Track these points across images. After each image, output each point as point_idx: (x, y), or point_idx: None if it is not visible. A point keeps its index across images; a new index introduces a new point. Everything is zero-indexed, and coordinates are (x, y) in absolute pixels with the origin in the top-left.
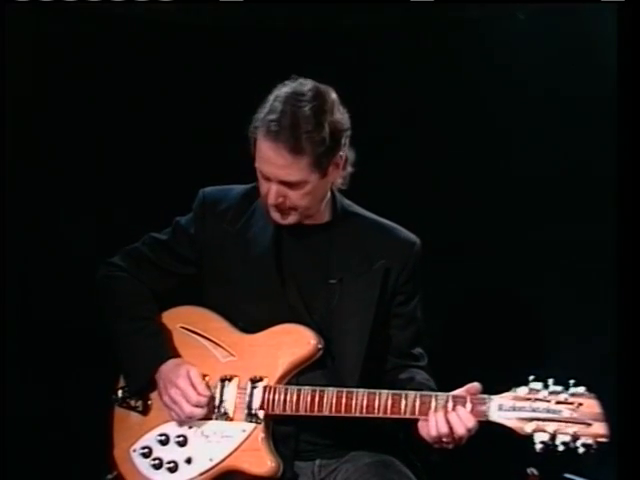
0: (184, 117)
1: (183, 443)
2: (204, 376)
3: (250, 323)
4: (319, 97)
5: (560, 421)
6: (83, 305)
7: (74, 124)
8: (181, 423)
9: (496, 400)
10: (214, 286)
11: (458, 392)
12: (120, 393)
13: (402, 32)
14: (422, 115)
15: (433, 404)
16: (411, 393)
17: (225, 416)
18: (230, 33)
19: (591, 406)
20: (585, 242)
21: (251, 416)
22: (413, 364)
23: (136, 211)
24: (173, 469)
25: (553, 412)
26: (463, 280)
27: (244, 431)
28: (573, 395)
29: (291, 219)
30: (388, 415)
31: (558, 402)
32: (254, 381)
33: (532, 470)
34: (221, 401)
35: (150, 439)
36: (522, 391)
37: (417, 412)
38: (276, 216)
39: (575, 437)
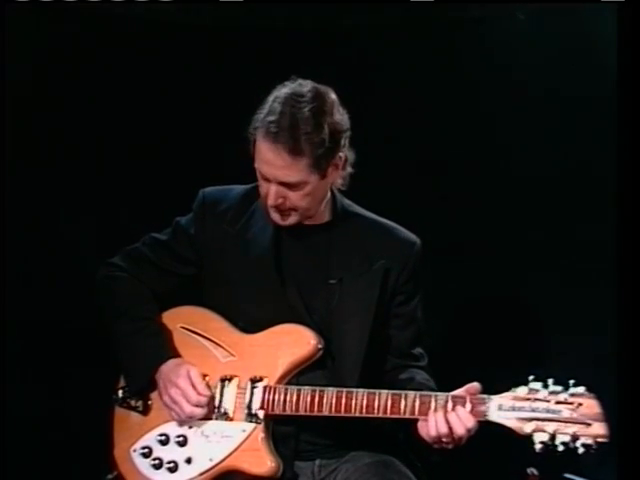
0: (184, 117)
1: (183, 443)
2: (204, 376)
3: (250, 323)
4: (318, 98)
5: (560, 421)
6: (83, 305)
7: (74, 124)
8: (181, 423)
9: (496, 400)
10: (214, 286)
11: (458, 392)
12: (120, 393)
13: (402, 32)
14: (422, 115)
15: (433, 404)
16: (411, 393)
17: (225, 416)
18: (230, 33)
19: (591, 406)
20: (585, 242)
21: (251, 416)
22: (413, 364)
23: (136, 211)
24: (173, 469)
25: (553, 412)
26: (463, 280)
27: (244, 431)
28: (573, 395)
29: (291, 220)
30: (388, 415)
31: (558, 402)
32: (254, 381)
33: (532, 470)
34: (221, 401)
35: (150, 439)
36: (522, 391)
37: (417, 412)
38: (276, 217)
39: (575, 437)
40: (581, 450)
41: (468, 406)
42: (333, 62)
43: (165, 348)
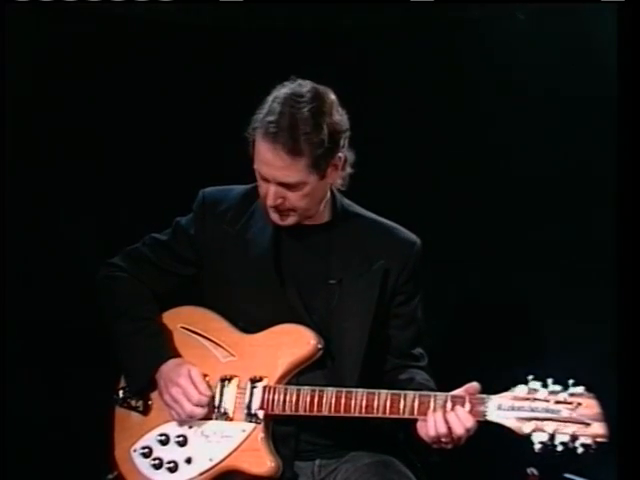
0: (184, 117)
1: (183, 443)
2: (204, 376)
3: (250, 323)
4: (318, 98)
5: (559, 421)
6: (83, 305)
7: (74, 124)
8: (181, 423)
9: (495, 400)
10: (214, 286)
11: (457, 392)
12: (121, 393)
13: (402, 32)
14: (422, 115)
15: (432, 404)
16: (410, 393)
17: (225, 416)
18: (230, 33)
19: (590, 406)
20: (585, 242)
21: (251, 416)
22: (413, 364)
23: (136, 211)
24: (173, 469)
25: (552, 412)
26: (463, 280)
27: (244, 431)
28: (572, 395)
29: (290, 220)
30: (387, 415)
31: (557, 402)
32: (254, 381)
33: (532, 470)
34: (221, 401)
35: (150, 439)
36: (521, 391)
37: (416, 412)
38: (275, 217)
39: (574, 437)
40: (580, 450)
41: (467, 406)
42: (333, 62)
43: (165, 348)
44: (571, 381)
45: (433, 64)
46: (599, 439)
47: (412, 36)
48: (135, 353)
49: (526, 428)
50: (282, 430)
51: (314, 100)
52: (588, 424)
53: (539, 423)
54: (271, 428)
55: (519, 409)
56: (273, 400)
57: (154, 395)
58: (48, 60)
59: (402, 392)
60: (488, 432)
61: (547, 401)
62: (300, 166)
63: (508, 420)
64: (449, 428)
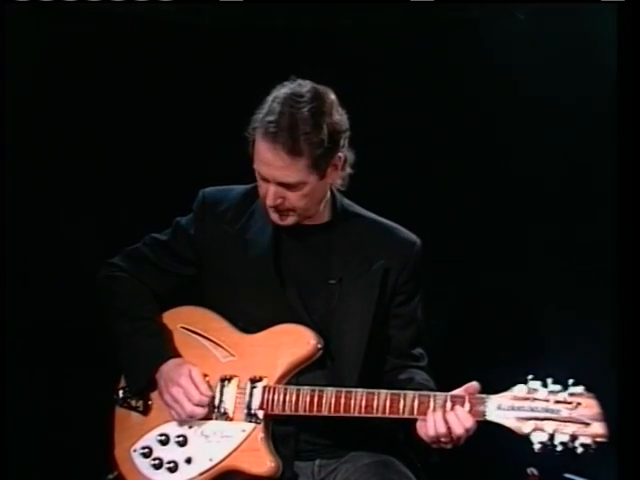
0: (184, 117)
1: (183, 443)
2: (204, 376)
3: (250, 323)
4: (318, 98)
5: (559, 421)
6: (83, 305)
7: (74, 124)
8: (181, 423)
9: (495, 400)
10: (214, 286)
11: (457, 392)
12: (121, 393)
13: (402, 32)
14: (422, 115)
15: (431, 404)
16: (410, 393)
17: (225, 416)
18: (230, 33)
19: (590, 406)
20: (585, 242)
21: (251, 416)
22: (413, 364)
23: (136, 211)
24: (173, 469)
25: (552, 412)
26: (463, 280)
27: (244, 431)
28: (572, 395)
29: (290, 220)
30: (387, 415)
31: (557, 401)
32: (254, 381)
33: (532, 470)
34: (221, 401)
35: (150, 439)
36: (521, 390)
37: (415, 412)
38: (275, 217)
39: (573, 437)
40: (580, 450)
41: (467, 406)
42: (333, 62)
43: (165, 348)
44: (571, 381)
45: (433, 64)
46: (599, 439)
47: (412, 36)
48: (135, 353)
49: (526, 428)
50: (282, 430)
51: (314, 100)
52: (588, 424)
53: (539, 423)
54: (271, 428)
55: (519, 409)
56: (273, 400)
57: (154, 395)
58: (48, 60)
59: (402, 392)
60: (488, 432)
61: (547, 401)
62: (300, 166)
63: (508, 420)
64: (449, 428)
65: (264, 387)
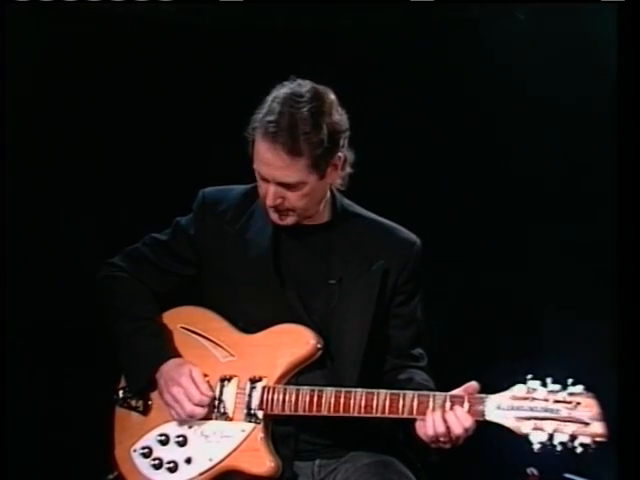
0: (184, 117)
1: (183, 443)
2: (204, 376)
3: (250, 323)
4: (317, 98)
5: (558, 420)
6: (83, 305)
7: (74, 124)
8: (181, 423)
9: (494, 399)
10: (214, 286)
11: (456, 392)
12: (121, 393)
13: (402, 32)
14: (422, 115)
15: (431, 404)
16: (409, 393)
17: (225, 416)
18: (230, 33)
19: (589, 405)
20: (585, 242)
21: (250, 416)
22: (412, 364)
23: (136, 211)
24: (173, 469)
25: (551, 411)
26: (463, 280)
27: (243, 431)
28: (571, 394)
29: (289, 220)
30: (386, 415)
31: (556, 401)
32: (253, 381)
33: (532, 470)
34: (221, 401)
35: (150, 439)
36: (520, 390)
37: (415, 412)
38: (275, 217)
39: (573, 437)
40: (579, 449)
41: (466, 405)
42: (333, 62)
43: (165, 348)
44: (570, 380)
45: (433, 64)
46: (598, 439)
47: (412, 36)
48: (135, 353)
49: (525, 428)
50: (282, 430)
51: (314, 100)
52: (587, 423)
53: (538, 422)
54: (271, 428)
55: (518, 408)
56: (272, 400)
57: (154, 395)
58: (48, 60)
59: (401, 392)
60: (488, 432)
61: (546, 400)
62: (300, 166)
63: (507, 420)
64: (448, 428)
65: (264, 387)
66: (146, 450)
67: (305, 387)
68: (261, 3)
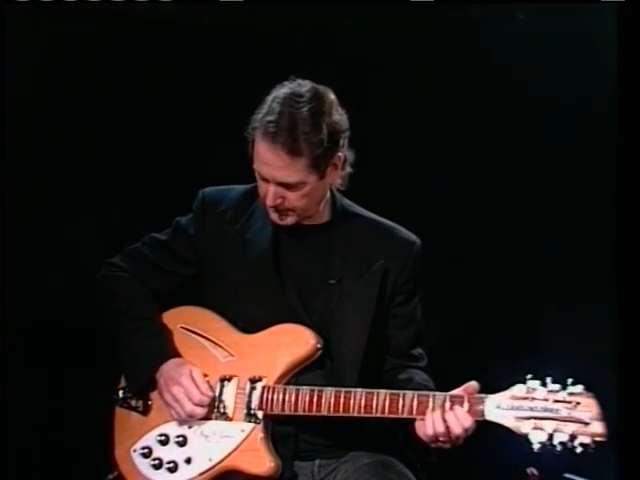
0: (184, 117)
1: (183, 443)
2: (204, 376)
3: (250, 323)
4: (317, 98)
5: (558, 420)
6: (83, 305)
7: (74, 124)
8: (181, 423)
9: (494, 399)
10: (214, 286)
11: (456, 392)
12: (121, 393)
13: (402, 32)
14: (422, 115)
15: (430, 404)
16: (409, 393)
17: (224, 416)
18: (230, 33)
19: (589, 405)
20: (585, 242)
21: (250, 416)
22: (412, 365)
23: (136, 211)
24: (173, 469)
25: (551, 411)
26: (463, 280)
27: (243, 431)
28: (571, 394)
29: (289, 220)
30: (386, 415)
31: (556, 401)
32: (253, 381)
33: (532, 470)
34: (220, 401)
35: (150, 439)
36: (520, 390)
37: (415, 412)
38: (274, 217)
39: (573, 436)
40: (579, 449)
41: (466, 405)
42: (333, 62)
43: (165, 348)
44: (570, 380)
45: (433, 64)
46: (598, 438)
47: (412, 36)
48: (135, 353)
49: (525, 427)
50: (281, 430)
51: (313, 100)
52: (587, 423)
53: (538, 422)
54: (270, 428)
55: (518, 408)
56: (272, 400)
57: (154, 395)
58: (48, 60)
59: (401, 392)
60: (488, 432)
61: (546, 400)
62: (299, 166)
63: (507, 419)
64: (447, 427)
65: (263, 387)
66: (146, 450)
67: (305, 387)
68: (261, 3)
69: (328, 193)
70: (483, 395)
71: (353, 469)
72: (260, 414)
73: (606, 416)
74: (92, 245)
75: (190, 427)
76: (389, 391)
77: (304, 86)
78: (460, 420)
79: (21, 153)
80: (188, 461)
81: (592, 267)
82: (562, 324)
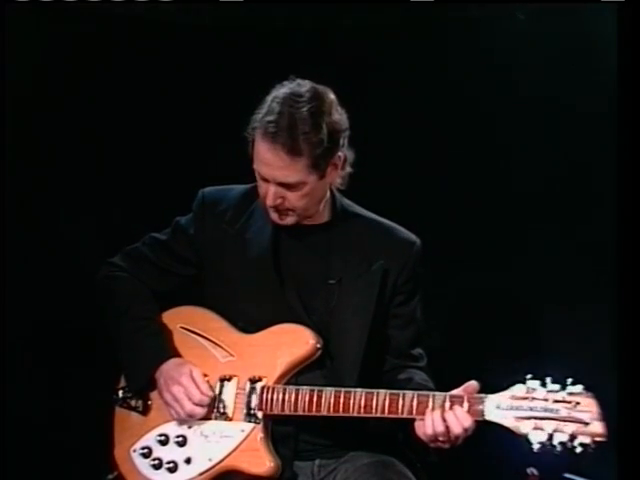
0: (184, 117)
1: (182, 443)
2: (204, 376)
3: (249, 323)
4: (317, 98)
5: (558, 420)
6: (83, 305)
7: (74, 124)
8: (181, 423)
9: (493, 399)
10: (214, 286)
11: (455, 391)
12: (121, 393)
13: (402, 32)
14: (422, 115)
15: (430, 404)
16: (409, 393)
17: (224, 416)
18: (230, 33)
19: (589, 405)
20: (585, 242)
21: (250, 416)
22: (412, 365)
23: (136, 211)
24: (173, 469)
25: (551, 411)
26: (463, 280)
27: (243, 431)
28: (571, 394)
29: (289, 220)
30: (386, 415)
31: (556, 401)
32: (253, 381)
33: (532, 470)
34: (220, 401)
35: (150, 439)
36: (520, 390)
37: (415, 412)
38: (275, 217)
39: (573, 436)
40: (579, 449)
41: (465, 405)
42: (333, 62)
43: (165, 348)
44: (570, 380)
45: (433, 64)
46: (598, 438)
47: (412, 36)
48: (135, 352)
49: (525, 427)
50: (281, 430)
51: (313, 100)
52: (587, 423)
53: (538, 422)
54: (270, 428)
55: (517, 408)
56: (272, 400)
57: (154, 395)
58: (48, 60)
59: (401, 392)
60: (488, 432)
61: (546, 400)
62: (299, 166)
63: (507, 419)
64: (447, 427)
65: (263, 387)
66: (146, 450)
67: (305, 387)
68: (261, 3)
69: (328, 193)
70: (483, 395)
71: (353, 469)
72: (260, 414)
73: (606, 416)
74: (92, 245)
75: (190, 427)
76: (389, 391)
77: (304, 86)
78: (460, 420)
79: (21, 153)
80: (188, 461)
81: (592, 267)
82: (562, 324)
